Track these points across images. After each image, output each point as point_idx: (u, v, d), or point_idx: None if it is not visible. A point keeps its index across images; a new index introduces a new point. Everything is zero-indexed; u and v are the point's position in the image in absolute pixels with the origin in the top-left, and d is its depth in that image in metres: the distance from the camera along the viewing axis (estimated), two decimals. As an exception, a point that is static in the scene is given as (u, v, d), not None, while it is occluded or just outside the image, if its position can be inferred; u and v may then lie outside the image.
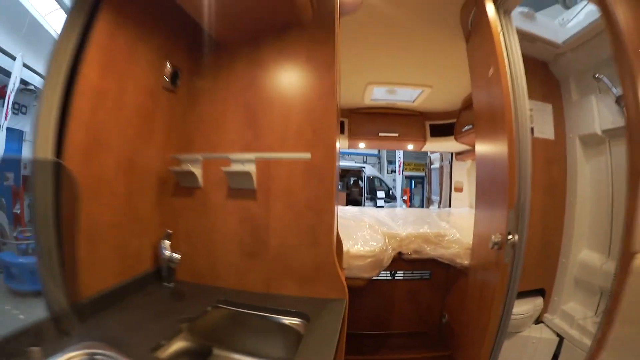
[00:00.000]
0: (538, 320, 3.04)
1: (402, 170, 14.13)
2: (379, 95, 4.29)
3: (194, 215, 1.97)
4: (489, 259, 2.26)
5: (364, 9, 2.42)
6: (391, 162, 15.59)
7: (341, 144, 2.17)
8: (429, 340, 3.65)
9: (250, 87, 1.92)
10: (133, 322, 1.49)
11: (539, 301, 2.99)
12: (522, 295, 2.76)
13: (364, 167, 14.15)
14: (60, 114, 1.38)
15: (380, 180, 14.70)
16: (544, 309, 3.03)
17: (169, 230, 1.79)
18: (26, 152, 14.74)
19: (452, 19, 2.67)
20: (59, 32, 1.44)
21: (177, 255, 1.73)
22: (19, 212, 9.45)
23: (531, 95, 2.71)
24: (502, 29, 2.19)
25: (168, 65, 1.89)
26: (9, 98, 9.76)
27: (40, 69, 12.98)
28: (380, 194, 13.76)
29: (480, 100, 2.51)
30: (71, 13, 1.41)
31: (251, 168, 1.77)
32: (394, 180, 15.04)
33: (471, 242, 2.91)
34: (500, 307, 2.18)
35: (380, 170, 16.01)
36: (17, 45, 11.01)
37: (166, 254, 1.77)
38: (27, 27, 10.86)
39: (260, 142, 1.84)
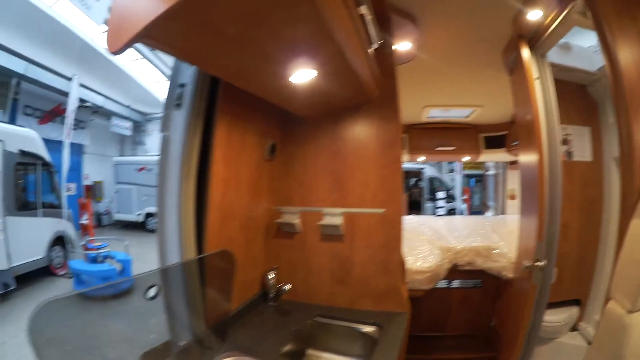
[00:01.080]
0: (574, 328, 3.43)
1: (461, 169, 14.47)
2: (434, 113, 4.75)
3: (294, 252, 2.68)
4: (524, 276, 2.75)
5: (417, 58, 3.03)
6: (450, 161, 15.90)
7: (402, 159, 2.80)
8: (478, 342, 4.06)
9: (335, 157, 2.60)
10: (258, 334, 2.18)
11: (574, 310, 3.38)
12: (560, 304, 3.24)
13: (424, 168, 14.53)
14: (195, 199, 2.02)
15: (440, 181, 15.01)
16: (579, 318, 3.41)
17: (275, 265, 2.53)
18: (86, 164, 15.88)
19: (495, 58, 3.11)
20: (182, 137, 2.01)
21: (287, 286, 2.46)
22: (86, 222, 10.50)
23: (570, 120, 3.25)
24: (537, 70, 2.64)
25: (268, 142, 2.57)
26: (69, 117, 10.80)
27: (93, 86, 14.15)
28: (440, 194, 14.21)
29: (521, 125, 2.97)
30: (190, 120, 1.99)
31: (339, 219, 2.45)
32: (453, 180, 15.30)
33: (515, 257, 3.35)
34: (529, 318, 2.67)
35: (439, 170, 16.28)
36: (70, 67, 12.13)
37: (272, 281, 2.52)
38: (78, 50, 11.95)
39: (345, 200, 2.52)
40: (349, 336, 2.37)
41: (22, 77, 11.82)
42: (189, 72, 2.06)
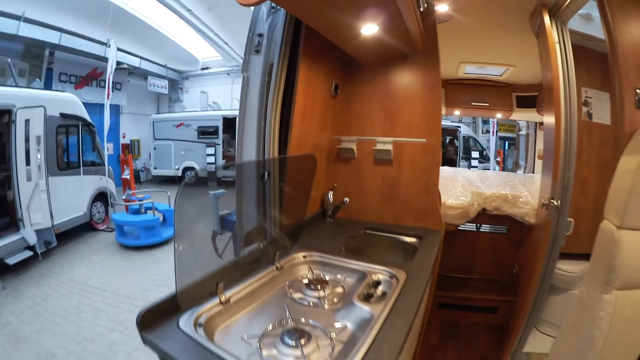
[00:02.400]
0: (588, 281, 3.85)
1: (497, 132, 14.77)
2: (470, 70, 5.25)
3: (350, 175, 3.41)
4: (542, 218, 3.20)
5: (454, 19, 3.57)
6: (486, 122, 16.08)
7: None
8: (501, 286, 4.54)
9: (386, 96, 3.33)
10: (320, 239, 2.91)
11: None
12: (576, 257, 3.60)
13: (460, 127, 14.91)
14: (280, 125, 2.73)
15: (475, 141, 15.25)
16: (594, 272, 3.82)
17: (334, 185, 3.33)
18: (123, 124, 16.70)
19: (525, 22, 3.58)
20: (260, 77, 2.72)
21: (346, 199, 3.24)
22: (127, 177, 11.30)
23: (591, 85, 3.62)
24: (557, 36, 3.03)
25: (332, 82, 3.31)
26: (109, 80, 11.61)
27: (129, 49, 14.91)
28: (475, 154, 14.62)
29: (546, 85, 3.29)
30: (280, 62, 2.68)
31: (390, 146, 3.18)
32: (488, 140, 15.62)
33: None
34: (543, 261, 3.11)
35: (475, 130, 16.50)
36: (104, 33, 12.92)
37: (331, 200, 3.30)
38: (112, 15, 12.72)
39: (394, 131, 3.25)
40: (393, 245, 3.06)
41: (55, 47, 12.64)
42: (264, 25, 2.77)
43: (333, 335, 1.69)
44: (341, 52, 2.99)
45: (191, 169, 17.10)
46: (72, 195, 9.36)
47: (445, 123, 11.89)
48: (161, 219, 9.28)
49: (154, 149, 17.36)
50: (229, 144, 16.94)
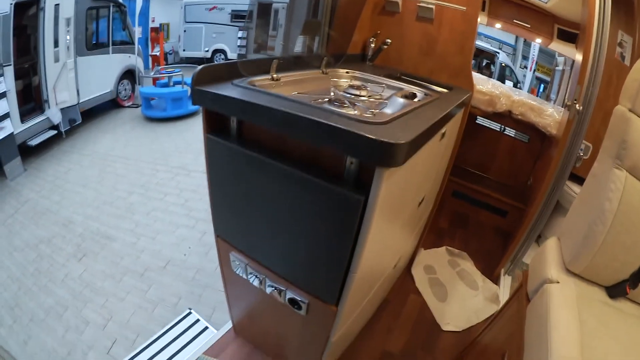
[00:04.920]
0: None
1: (534, 70, 14.55)
2: None
3: (392, 26, 3.58)
4: (563, 125, 3.35)
5: None
6: (525, 57, 15.95)
7: (481, 19, 3.56)
8: (514, 192, 4.72)
9: None
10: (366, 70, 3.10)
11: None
12: None
13: (498, 53, 14.79)
14: None
15: (512, 71, 15.20)
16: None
17: (378, 32, 3.56)
18: (153, 8, 16.73)
19: None
20: None
21: (388, 40, 3.49)
22: (157, 53, 11.51)
23: (628, 32, 3.78)
24: None
25: None
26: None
27: None
28: (508, 84, 14.34)
29: (582, 21, 3.34)
30: None
31: (432, 6, 3.35)
32: (524, 76, 15.46)
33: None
34: (555, 169, 3.24)
35: (514, 62, 16.44)
36: None
37: (372, 44, 3.56)
38: None
39: None
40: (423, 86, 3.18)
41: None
42: None
43: (373, 107, 1.90)
44: None
45: (221, 51, 17.43)
46: (100, 74, 9.67)
47: (483, 44, 11.89)
48: (189, 92, 9.41)
49: (184, 31, 17.57)
50: (263, 29, 16.77)
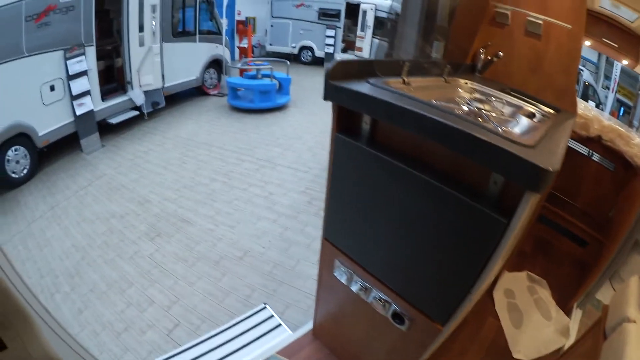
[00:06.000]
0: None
1: (616, 92, 14.09)
2: (605, 4, 5.07)
3: (502, 39, 3.46)
4: None
5: None
6: (607, 77, 15.54)
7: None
8: (596, 223, 4.46)
9: None
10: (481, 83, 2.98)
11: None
12: None
13: (582, 70, 14.34)
14: None
15: (595, 91, 14.84)
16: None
17: (489, 43, 3.41)
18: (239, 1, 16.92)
19: None
20: None
21: (500, 53, 3.33)
22: (245, 45, 11.72)
23: None
24: None
25: None
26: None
27: None
28: (591, 104, 13.97)
29: None
30: None
31: (541, 21, 3.21)
32: (606, 97, 15.06)
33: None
34: (636, 212, 3.09)
35: (596, 81, 16.00)
36: None
37: (482, 55, 3.42)
38: None
39: (545, 11, 3.23)
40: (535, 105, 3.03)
41: None
42: None
43: (507, 126, 1.81)
44: None
45: (309, 48, 17.52)
46: (186, 61, 9.81)
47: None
48: (277, 86, 9.70)
49: (271, 26, 17.70)
50: (350, 29, 17.00)
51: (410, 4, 2.84)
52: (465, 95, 2.53)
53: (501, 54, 3.35)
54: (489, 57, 3.41)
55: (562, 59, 3.23)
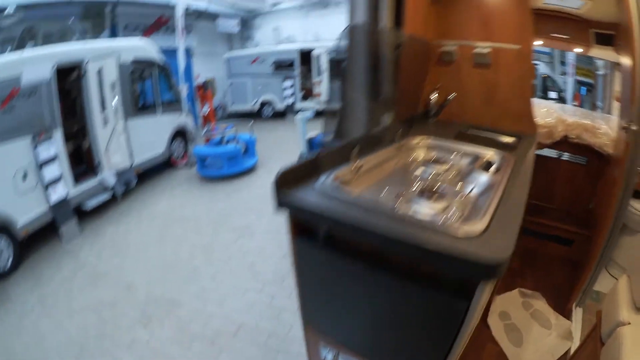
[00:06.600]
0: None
1: (574, 74, 14.34)
2: (548, 0, 5.01)
3: (450, 77, 3.48)
4: (620, 146, 3.20)
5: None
6: (563, 63, 15.77)
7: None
8: (577, 219, 4.54)
9: (481, 4, 3.37)
10: (429, 132, 2.96)
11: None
12: None
13: (538, 64, 14.51)
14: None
15: (553, 81, 14.98)
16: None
17: (439, 85, 3.41)
18: (196, 65, 16.98)
19: None
20: None
21: (452, 95, 3.32)
22: (207, 111, 11.68)
23: None
24: None
25: None
26: (180, 23, 11.87)
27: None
28: (552, 94, 14.13)
29: (621, 21, 3.24)
30: None
31: (487, 50, 3.21)
32: (565, 82, 15.26)
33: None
34: (620, 191, 3.04)
35: (552, 70, 16.23)
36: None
37: (433, 101, 3.40)
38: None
39: (491, 37, 3.29)
40: (493, 142, 3.02)
41: (116, 4, 13.02)
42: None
43: (461, 195, 1.78)
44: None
45: (269, 103, 17.53)
46: (151, 135, 9.71)
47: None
48: (243, 149, 9.65)
49: (230, 85, 17.85)
50: (306, 76, 17.15)
51: (354, 64, 2.80)
52: (420, 156, 2.52)
53: (453, 94, 3.35)
54: (441, 101, 3.40)
55: (515, 83, 3.26)
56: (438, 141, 2.70)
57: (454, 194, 1.89)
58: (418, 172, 2.20)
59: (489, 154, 2.52)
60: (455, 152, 2.57)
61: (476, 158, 2.44)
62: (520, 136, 3.01)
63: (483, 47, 3.26)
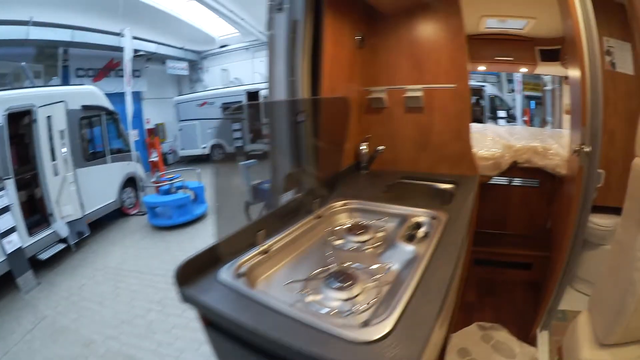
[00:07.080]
0: (620, 236, 3.76)
1: (522, 90, 14.51)
2: (491, 23, 5.10)
3: (382, 125, 3.36)
4: (573, 167, 3.11)
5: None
6: (510, 81, 15.98)
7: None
8: (535, 242, 4.43)
9: (412, 44, 3.27)
10: (357, 189, 2.89)
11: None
12: (608, 210, 3.48)
13: (485, 86, 14.69)
14: (311, 73, 2.73)
15: (501, 100, 15.07)
16: (625, 227, 3.72)
17: (368, 135, 3.28)
18: (146, 109, 16.81)
19: None
20: (285, 33, 2.72)
21: (381, 148, 3.18)
22: (156, 159, 11.40)
23: (612, 34, 3.51)
24: None
25: (358, 34, 3.28)
26: (127, 68, 11.70)
27: (144, 35, 14.98)
28: (501, 113, 14.14)
29: (568, 36, 3.19)
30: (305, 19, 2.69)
31: (420, 94, 3.12)
32: (514, 100, 15.40)
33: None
34: (576, 213, 2.95)
35: (500, 89, 16.42)
36: (118, 23, 12.99)
37: (364, 151, 3.27)
38: (123, 5, 12.78)
39: (423, 78, 3.17)
40: (430, 192, 3.01)
41: (69, 44, 12.78)
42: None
43: (378, 276, 1.66)
44: (363, 3, 3.02)
45: (219, 146, 17.11)
46: (101, 184, 9.51)
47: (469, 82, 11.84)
48: (192, 197, 9.52)
49: (180, 130, 17.64)
50: (255, 117, 16.90)
51: (273, 128, 2.70)
52: (342, 224, 2.37)
53: (382, 147, 3.25)
54: (371, 153, 3.29)
55: (451, 125, 3.16)
56: (362, 204, 2.57)
57: (369, 274, 1.74)
58: (338, 242, 2.09)
59: (418, 215, 2.38)
60: (380, 216, 2.44)
61: (404, 220, 2.29)
62: (458, 181, 2.92)
63: (414, 89, 3.16)
